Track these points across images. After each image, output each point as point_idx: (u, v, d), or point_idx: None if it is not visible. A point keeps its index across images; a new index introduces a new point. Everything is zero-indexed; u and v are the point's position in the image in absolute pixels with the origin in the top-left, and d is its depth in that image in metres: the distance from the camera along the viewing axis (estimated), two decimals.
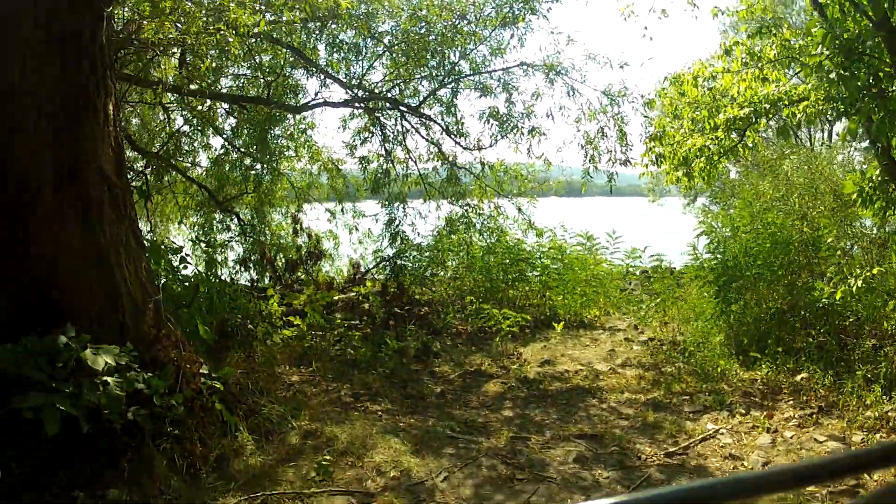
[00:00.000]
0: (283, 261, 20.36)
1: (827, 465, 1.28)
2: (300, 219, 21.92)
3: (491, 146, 20.58)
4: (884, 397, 11.31)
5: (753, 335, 14.55)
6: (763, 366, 13.37)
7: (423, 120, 21.08)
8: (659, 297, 17.03)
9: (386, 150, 21.42)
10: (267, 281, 19.50)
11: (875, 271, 13.09)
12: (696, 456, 10.12)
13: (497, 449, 10.20)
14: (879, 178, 12.08)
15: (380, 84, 21.66)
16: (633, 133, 18.85)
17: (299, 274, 19.39)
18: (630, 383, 13.12)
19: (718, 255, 15.27)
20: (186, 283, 12.55)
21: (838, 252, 15.84)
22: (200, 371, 9.20)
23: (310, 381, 12.65)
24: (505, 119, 20.13)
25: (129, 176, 11.41)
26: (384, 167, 21.46)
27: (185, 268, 13.75)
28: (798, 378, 12.90)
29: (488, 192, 21.04)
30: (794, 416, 11.42)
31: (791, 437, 10.68)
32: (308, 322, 14.14)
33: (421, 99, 21.10)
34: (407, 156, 21.51)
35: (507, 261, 18.52)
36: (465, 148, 20.98)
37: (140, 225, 10.63)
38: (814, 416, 11.40)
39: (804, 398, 12.14)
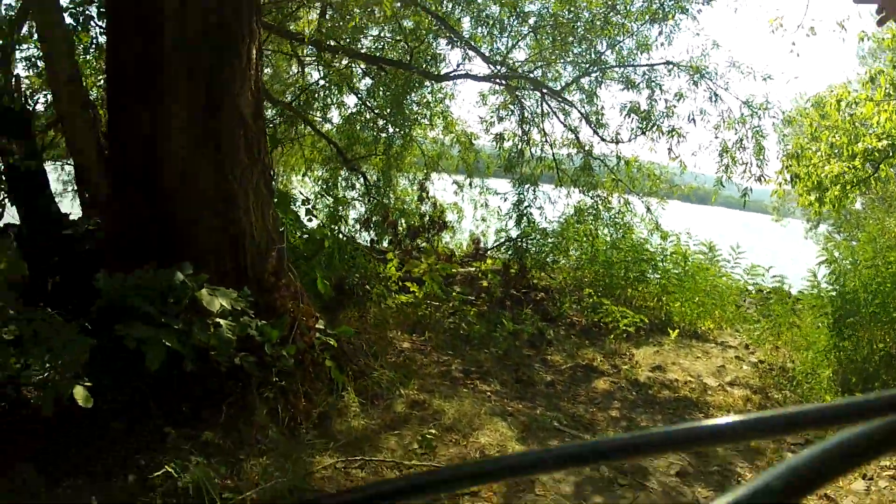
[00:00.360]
0: (405, 226, 19.74)
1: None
2: (427, 187, 21.51)
3: (630, 141, 20.07)
4: None
5: (861, 375, 13.78)
6: None
7: (563, 105, 20.61)
8: (774, 320, 16.19)
9: (523, 130, 20.94)
10: (386, 244, 19.23)
11: None
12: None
13: None
14: None
15: (522, 64, 21.28)
16: (769, 148, 18.08)
17: (420, 242, 18.88)
18: (736, 403, 12.48)
19: (837, 287, 14.37)
20: (310, 236, 12.32)
21: None
22: (316, 325, 8.93)
23: (421, 351, 12.33)
24: (646, 115, 19.62)
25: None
26: (519, 147, 20.96)
27: (311, 220, 13.52)
28: None
29: (620, 187, 20.46)
30: (891, 466, 10.65)
31: (885, 488, 10.01)
32: (425, 291, 13.81)
33: (563, 84, 20.63)
34: (543, 139, 21.05)
35: (630, 259, 17.86)
36: (602, 139, 20.50)
37: None
38: None
39: None
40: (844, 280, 14.20)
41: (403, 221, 20.32)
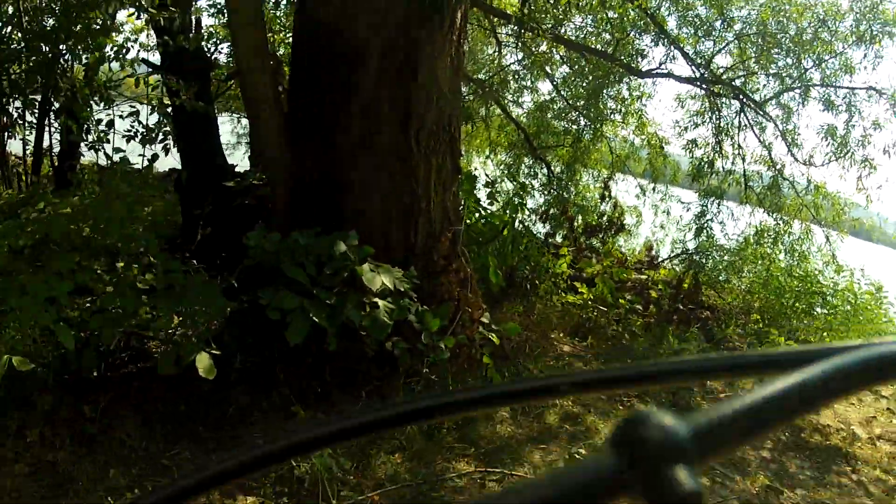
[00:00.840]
0: (583, 223, 18.92)
1: None
2: (610, 186, 20.67)
3: (823, 165, 19.03)
4: None
5: None
6: None
7: (761, 119, 19.61)
8: None
9: (717, 139, 19.98)
10: (560, 239, 17.99)
11: None
12: None
13: (749, 494, 8.94)
14: None
15: (724, 70, 20.23)
16: None
17: (595, 241, 18.03)
18: (883, 460, 11.22)
19: None
20: (489, 221, 11.55)
21: None
22: (481, 318, 8.13)
23: (581, 357, 11.43)
24: (843, 141, 18.49)
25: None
26: (710, 157, 20.01)
27: (492, 204, 12.80)
28: None
29: (804, 213, 19.42)
30: None
31: None
32: (594, 293, 12.98)
33: (765, 96, 19.60)
34: (736, 151, 20.05)
35: (801, 289, 16.79)
36: (795, 159, 19.47)
37: None
38: None
39: None
40: None
41: (580, 218, 19.60)
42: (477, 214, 11.62)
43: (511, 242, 12.42)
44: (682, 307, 14.87)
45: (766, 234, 19.20)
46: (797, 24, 18.65)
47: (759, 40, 18.96)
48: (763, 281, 17.40)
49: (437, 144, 8.00)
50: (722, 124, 19.78)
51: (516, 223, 13.92)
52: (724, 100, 19.80)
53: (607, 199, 19.41)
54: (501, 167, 23.53)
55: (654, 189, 22.38)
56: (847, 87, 19.03)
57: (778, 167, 19.53)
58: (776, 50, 18.86)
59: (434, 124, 7.94)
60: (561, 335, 11.97)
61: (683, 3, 19.53)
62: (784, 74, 19.10)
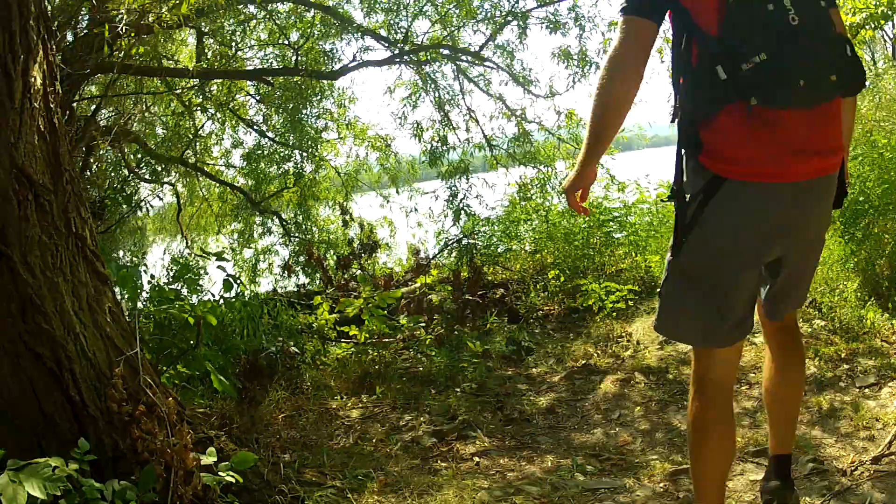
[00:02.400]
0: (335, 258, 16.81)
1: None
2: (349, 208, 18.82)
3: (567, 91, 17.35)
4: None
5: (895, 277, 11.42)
6: None
7: (485, 70, 17.93)
8: None
9: (442, 112, 18.08)
10: (318, 284, 16.31)
11: None
12: None
13: (657, 495, 6.76)
14: None
15: (427, 34, 18.33)
16: None
17: (354, 270, 15.79)
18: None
19: None
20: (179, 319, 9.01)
21: None
22: (200, 462, 5.51)
23: (375, 417, 9.11)
24: (581, 57, 16.79)
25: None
26: (441, 133, 18.14)
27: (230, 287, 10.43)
28: None
29: (563, 147, 17.72)
30: None
31: None
32: (366, 332, 10.67)
33: (479, 44, 17.91)
34: (468, 117, 18.21)
35: (591, 223, 14.61)
36: (534, 95, 17.73)
37: (175, 244, 7.23)
38: None
39: None
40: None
41: (332, 253, 18.01)
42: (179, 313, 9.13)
43: (246, 322, 9.96)
44: (471, 298, 12.81)
45: (528, 187, 17.65)
46: None
47: None
48: (547, 234, 15.30)
49: (58, 260, 5.43)
50: (442, 95, 17.87)
51: (244, 298, 11.49)
52: (436, 67, 18.19)
53: (350, 222, 17.93)
54: (234, 236, 21.86)
55: (396, 191, 20.32)
56: None
57: (518, 114, 17.73)
58: None
59: (44, 235, 5.35)
60: (345, 398, 9.68)
61: None
62: (494, 14, 17.31)
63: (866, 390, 8.58)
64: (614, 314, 11.93)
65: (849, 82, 3.89)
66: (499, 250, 16.09)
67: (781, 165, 3.84)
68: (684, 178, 4.16)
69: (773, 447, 5.35)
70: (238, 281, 10.40)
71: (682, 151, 4.15)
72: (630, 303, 12.16)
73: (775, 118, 3.76)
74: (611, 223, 14.77)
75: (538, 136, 18.30)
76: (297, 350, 10.46)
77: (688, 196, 4.14)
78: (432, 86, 18.01)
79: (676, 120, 4.19)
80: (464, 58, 17.86)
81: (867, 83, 5.01)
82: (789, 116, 3.77)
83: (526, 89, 17.71)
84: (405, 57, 17.74)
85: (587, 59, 16.95)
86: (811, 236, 4.29)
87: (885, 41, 26.52)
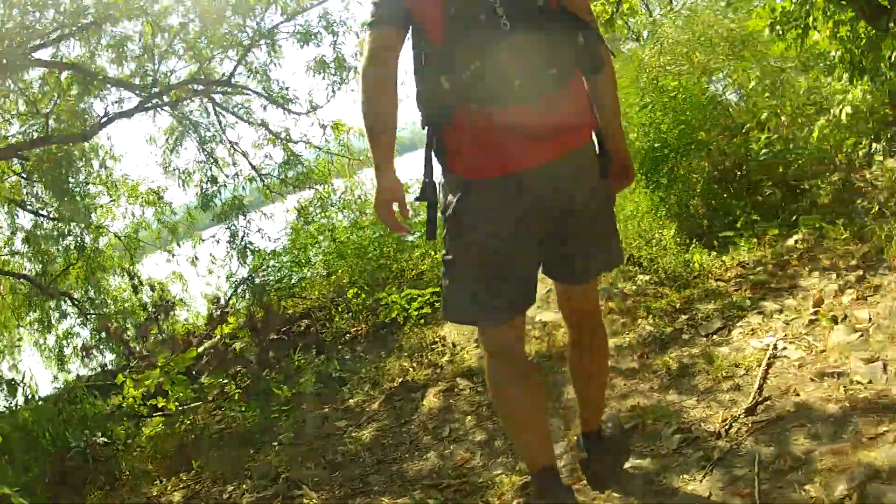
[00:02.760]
0: (134, 328, 15.57)
1: None
2: (137, 272, 17.66)
3: (328, 101, 16.44)
4: None
5: (712, 215, 11.27)
6: (741, 242, 9.99)
7: (245, 99, 16.88)
8: None
9: (206, 151, 16.98)
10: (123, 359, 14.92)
11: (856, 94, 10.13)
12: (784, 394, 6.26)
13: None
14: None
15: (179, 71, 17.23)
16: None
17: (154, 335, 14.32)
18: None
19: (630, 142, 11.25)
20: None
21: (766, 95, 12.52)
22: None
23: (197, 495, 7.90)
24: (338, 65, 15.79)
25: None
26: (209, 173, 17.05)
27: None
28: (793, 242, 9.63)
29: (336, 161, 16.77)
30: (844, 287, 8.00)
31: (872, 314, 7.22)
32: (172, 401, 9.54)
33: (230, 72, 16.82)
34: (233, 150, 17.13)
35: (379, 232, 13.82)
36: (297, 114, 16.77)
37: None
38: (865, 277, 8.08)
39: (828, 261, 8.76)
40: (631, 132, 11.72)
41: (130, 323, 16.65)
42: None
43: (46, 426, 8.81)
44: (276, 336, 11.97)
45: (308, 210, 16.70)
46: None
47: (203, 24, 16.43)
48: (337, 252, 14.30)
49: None
50: (203, 134, 16.81)
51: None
52: (194, 105, 17.12)
53: (140, 286, 17.26)
54: (33, 326, 20.26)
55: (178, 244, 19.40)
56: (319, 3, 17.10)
57: (283, 137, 16.74)
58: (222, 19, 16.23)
59: None
60: (165, 481, 8.41)
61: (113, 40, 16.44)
62: (240, 38, 16.23)
63: (714, 337, 7.87)
64: (422, 321, 10.97)
65: (572, 71, 4.13)
66: (293, 281, 15.00)
67: (512, 158, 4.05)
68: (434, 180, 4.26)
69: (580, 424, 5.34)
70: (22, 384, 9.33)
71: (429, 155, 4.26)
72: (436, 305, 11.02)
73: (498, 118, 3.95)
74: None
75: (309, 155, 17.50)
76: (105, 439, 9.32)
77: (440, 196, 4.32)
78: (190, 126, 17.04)
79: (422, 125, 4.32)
80: (218, 89, 16.87)
81: (600, 66, 4.29)
82: (511, 113, 3.94)
83: (286, 109, 16.83)
84: (156, 100, 16.64)
85: (345, 64, 16.19)
86: (578, 207, 4.33)
87: None
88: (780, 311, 7.91)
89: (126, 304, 18.63)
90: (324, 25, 16.48)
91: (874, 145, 10.91)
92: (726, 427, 5.92)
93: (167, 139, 17.85)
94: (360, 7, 16.90)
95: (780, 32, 10.64)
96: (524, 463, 5.32)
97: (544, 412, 4.92)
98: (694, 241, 10.55)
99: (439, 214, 4.34)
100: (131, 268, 18.46)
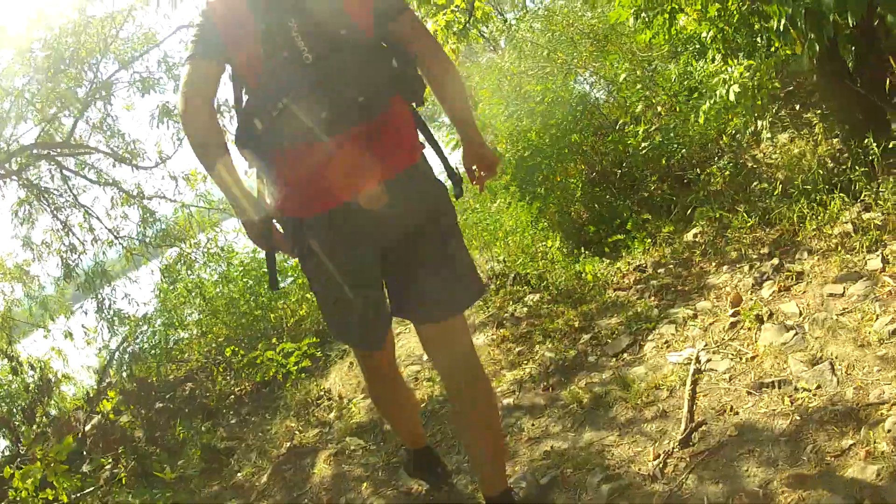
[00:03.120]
0: (20, 413, 13.83)
1: None
2: (15, 353, 16.39)
3: (176, 151, 15.27)
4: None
5: (598, 219, 10.46)
6: (634, 245, 9.24)
7: (96, 159, 15.64)
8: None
9: (60, 220, 15.76)
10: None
11: (740, 70, 9.38)
12: (720, 415, 5.31)
13: None
14: None
15: (26, 135, 16.05)
16: None
17: (40, 418, 13.09)
18: (496, 357, 7.92)
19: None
20: None
21: (638, 87, 11.78)
22: None
23: None
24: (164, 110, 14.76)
25: None
26: (67, 243, 15.81)
27: None
28: (692, 236, 8.87)
29: (198, 215, 15.63)
30: (761, 280, 7.27)
31: (801, 307, 6.46)
32: (61, 489, 8.19)
33: (69, 131, 15.61)
34: (87, 217, 15.93)
35: (250, 281, 12.59)
36: (146, 168, 15.62)
37: None
38: (783, 264, 7.34)
39: (736, 253, 8.05)
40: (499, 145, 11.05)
41: (17, 408, 14.45)
42: None
43: None
44: (160, 406, 10.76)
45: (174, 269, 15.37)
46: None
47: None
48: (209, 310, 13.15)
49: None
50: (56, 201, 15.62)
51: None
52: (42, 171, 16.24)
53: (20, 367, 15.13)
54: None
55: (52, 318, 18.07)
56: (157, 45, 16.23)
57: (135, 194, 15.58)
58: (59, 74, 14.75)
59: None
60: None
61: None
62: (76, 94, 15.10)
63: (625, 356, 6.89)
64: (303, 375, 9.78)
65: (386, 99, 3.98)
66: (169, 345, 13.56)
67: (332, 192, 3.90)
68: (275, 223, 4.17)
69: (481, 489, 4.77)
70: None
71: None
72: (318, 354, 10.14)
73: (311, 153, 3.85)
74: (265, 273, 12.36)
75: (167, 210, 16.37)
76: None
77: (284, 241, 4.19)
78: (40, 193, 15.76)
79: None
80: (62, 152, 15.63)
81: (421, 89, 4.19)
82: (323, 147, 3.83)
83: (133, 165, 15.62)
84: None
85: None
86: (416, 234, 4.15)
87: None
88: (694, 317, 7.00)
89: (10, 388, 17.35)
90: (164, 70, 15.39)
91: (759, 123, 10.22)
92: (661, 465, 4.93)
93: (17, 211, 16.59)
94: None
95: (647, 20, 10.28)
96: (407, 444, 5.54)
97: (417, 409, 5.39)
98: (583, 249, 9.74)
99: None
100: (8, 348, 17.10)
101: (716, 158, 10.36)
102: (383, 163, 3.95)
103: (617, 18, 11.19)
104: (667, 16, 10.32)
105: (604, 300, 8.13)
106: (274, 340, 10.61)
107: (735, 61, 9.86)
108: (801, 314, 6.27)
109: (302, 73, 3.79)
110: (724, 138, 10.62)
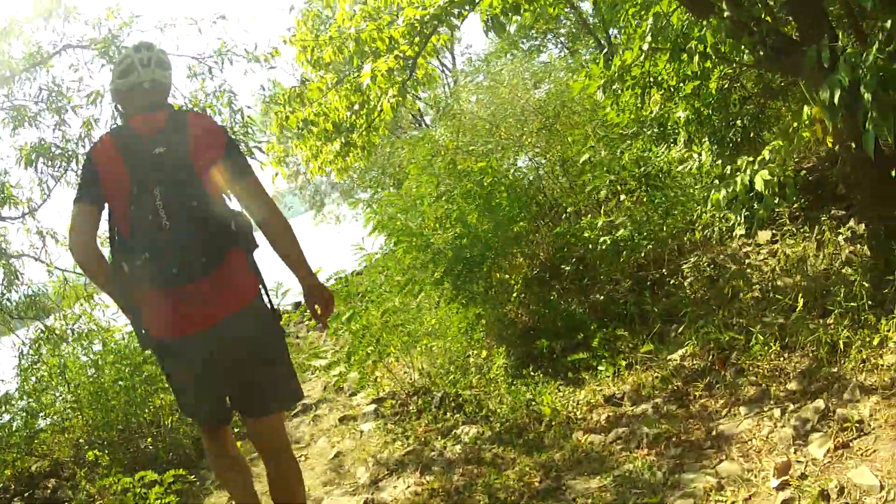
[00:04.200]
0: None
1: None
2: None
3: (46, 200, 12.61)
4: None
5: (548, 327, 7.90)
6: (602, 367, 6.82)
7: None
8: (353, 328, 8.79)
9: None
10: None
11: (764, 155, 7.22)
12: None
13: None
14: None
15: None
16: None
17: None
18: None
19: (424, 246, 8.35)
20: None
21: (604, 169, 9.50)
22: None
23: None
24: (62, 152, 11.96)
25: None
26: None
27: None
28: (678, 358, 6.62)
29: (77, 286, 13.01)
30: (804, 431, 4.96)
31: (881, 477, 4.29)
32: None
33: None
34: None
35: (129, 366, 9.61)
36: (11, 220, 13.06)
37: None
38: (829, 409, 5.06)
39: (753, 387, 5.73)
40: (422, 237, 8.47)
41: None
42: None
43: None
44: None
45: (41, 342, 12.24)
46: None
47: None
48: (75, 399, 10.15)
49: None
50: None
51: None
52: None
53: None
54: None
55: None
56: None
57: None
58: None
59: None
60: None
61: None
62: None
63: None
64: None
65: (223, 255, 4.54)
66: (29, 433, 10.38)
67: (177, 325, 4.52)
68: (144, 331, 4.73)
69: None
70: None
71: (134, 316, 4.78)
72: (192, 478, 7.65)
73: (162, 296, 4.47)
74: (145, 363, 9.68)
75: (41, 275, 13.63)
76: None
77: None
78: None
79: None
80: None
81: (253, 247, 4.77)
82: (171, 293, 4.45)
83: None
84: None
85: (68, 151, 11.79)
86: (244, 357, 4.68)
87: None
88: (720, 488, 4.59)
89: None
90: (45, 100, 12.33)
91: (732, 217, 8.39)
92: None
93: None
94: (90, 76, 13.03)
95: (618, 92, 8.78)
96: None
97: (251, 489, 5.28)
98: (531, 368, 7.31)
99: None
100: None
101: (688, 256, 8.28)
102: (215, 309, 4.50)
103: (582, 90, 9.41)
104: (639, 91, 8.72)
105: (571, 447, 5.69)
106: (149, 441, 7.74)
107: (699, 147, 8.81)
108: (882, 487, 4.16)
109: (161, 236, 4.34)
110: (697, 233, 8.66)
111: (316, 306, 4.83)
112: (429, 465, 6.18)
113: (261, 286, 4.79)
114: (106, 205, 4.49)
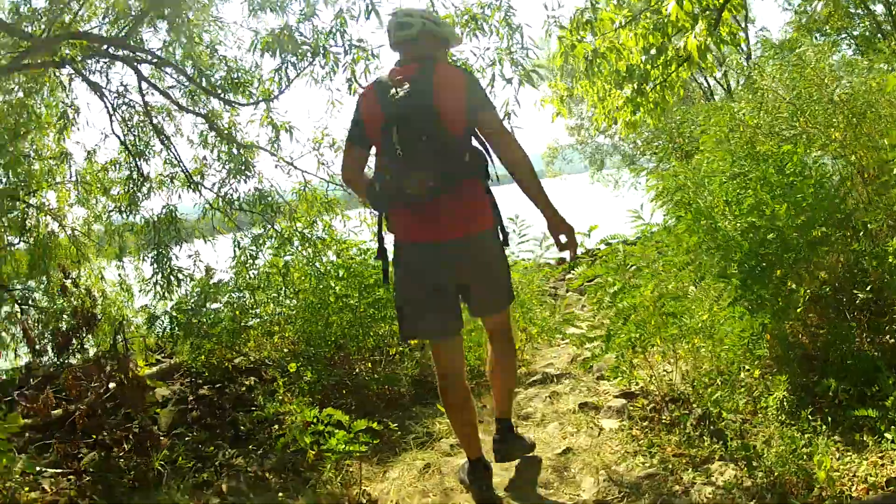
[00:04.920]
0: (52, 335, 12.30)
1: None
2: (70, 272, 14.09)
3: (282, 93, 11.77)
4: None
5: (838, 363, 6.24)
6: (891, 435, 5.12)
7: (178, 82, 12.51)
8: (620, 305, 7.28)
9: (132, 144, 12.58)
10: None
11: None
12: None
13: None
14: None
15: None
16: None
17: (75, 347, 11.66)
18: None
19: (712, 229, 6.97)
20: None
21: None
22: None
23: None
24: (306, 41, 10.89)
25: None
26: (139, 169, 13.11)
27: None
28: None
29: (309, 194, 12.33)
30: None
31: None
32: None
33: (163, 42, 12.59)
34: (167, 145, 12.71)
35: (356, 292, 8.85)
36: (236, 105, 12.40)
37: None
38: None
39: None
40: (709, 215, 7.01)
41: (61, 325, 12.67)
42: None
43: None
44: (208, 392, 8.87)
45: (262, 242, 11.42)
46: None
47: None
48: (293, 306, 9.86)
49: None
50: (131, 120, 12.53)
51: None
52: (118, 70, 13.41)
53: (75, 290, 13.46)
54: None
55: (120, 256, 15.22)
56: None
57: (227, 133, 13.11)
58: None
59: None
60: None
61: None
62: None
63: None
64: (348, 462, 6.43)
65: (455, 181, 5.18)
66: (236, 328, 9.81)
67: (418, 233, 5.32)
68: (385, 245, 5.71)
69: (495, 412, 6.34)
70: None
71: (380, 227, 5.67)
72: (393, 426, 7.08)
73: (402, 209, 5.32)
74: (379, 289, 8.78)
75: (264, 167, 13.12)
76: None
77: (389, 252, 5.71)
78: (114, 110, 12.44)
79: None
80: (134, 55, 12.04)
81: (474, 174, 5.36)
82: (414, 207, 5.22)
83: (225, 100, 12.10)
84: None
85: (320, 39, 10.92)
86: (476, 269, 5.44)
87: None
88: None
89: (63, 304, 14.22)
90: None
91: None
92: None
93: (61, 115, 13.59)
94: None
95: None
96: (465, 452, 5.79)
97: (475, 421, 5.72)
98: (809, 410, 5.77)
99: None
100: (64, 269, 14.05)
101: None
102: (452, 226, 5.24)
103: None
104: None
105: None
106: (307, 412, 6.81)
107: None
108: None
109: (396, 161, 5.08)
110: None
111: (560, 236, 5.36)
112: (669, 503, 5.04)
113: (496, 217, 5.47)
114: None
